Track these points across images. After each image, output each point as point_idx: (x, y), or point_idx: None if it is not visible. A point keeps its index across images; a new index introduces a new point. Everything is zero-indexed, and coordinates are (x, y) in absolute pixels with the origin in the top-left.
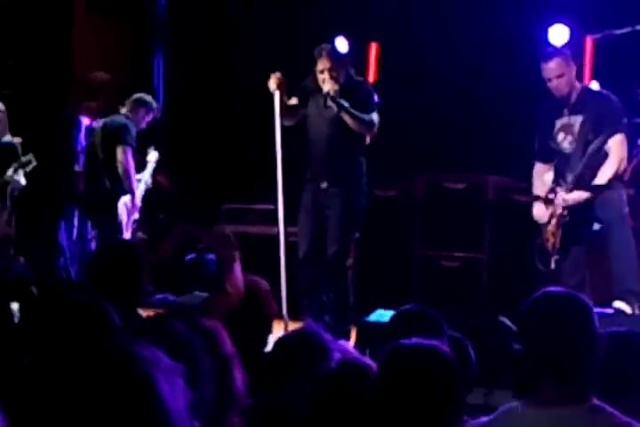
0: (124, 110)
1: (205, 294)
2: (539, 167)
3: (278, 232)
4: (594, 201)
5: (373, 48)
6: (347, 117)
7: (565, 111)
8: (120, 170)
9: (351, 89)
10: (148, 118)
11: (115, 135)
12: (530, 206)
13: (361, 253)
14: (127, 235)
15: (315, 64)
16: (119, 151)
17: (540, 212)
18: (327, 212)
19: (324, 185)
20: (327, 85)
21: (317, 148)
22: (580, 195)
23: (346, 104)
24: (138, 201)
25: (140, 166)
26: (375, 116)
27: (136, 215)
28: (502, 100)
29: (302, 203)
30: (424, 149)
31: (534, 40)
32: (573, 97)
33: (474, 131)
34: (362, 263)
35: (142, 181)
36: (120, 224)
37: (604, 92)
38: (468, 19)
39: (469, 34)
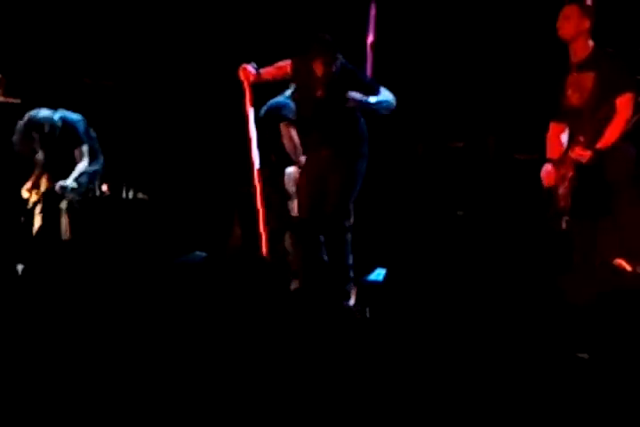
0: (288, 92)
1: (204, 254)
2: (553, 127)
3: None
4: (603, 162)
5: (373, 8)
6: (371, 109)
7: (576, 68)
8: (286, 145)
9: (349, 74)
10: None
11: (275, 113)
12: (530, 164)
13: (359, 210)
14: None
15: (306, 52)
16: (282, 128)
17: (547, 174)
18: (328, 176)
19: (326, 152)
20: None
21: (312, 118)
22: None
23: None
24: None
25: None
26: (387, 91)
27: None
28: (502, 62)
29: (301, 166)
30: (424, 112)
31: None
32: (585, 54)
33: (474, 92)
34: (360, 221)
35: None
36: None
37: (613, 51)
38: None
39: None
